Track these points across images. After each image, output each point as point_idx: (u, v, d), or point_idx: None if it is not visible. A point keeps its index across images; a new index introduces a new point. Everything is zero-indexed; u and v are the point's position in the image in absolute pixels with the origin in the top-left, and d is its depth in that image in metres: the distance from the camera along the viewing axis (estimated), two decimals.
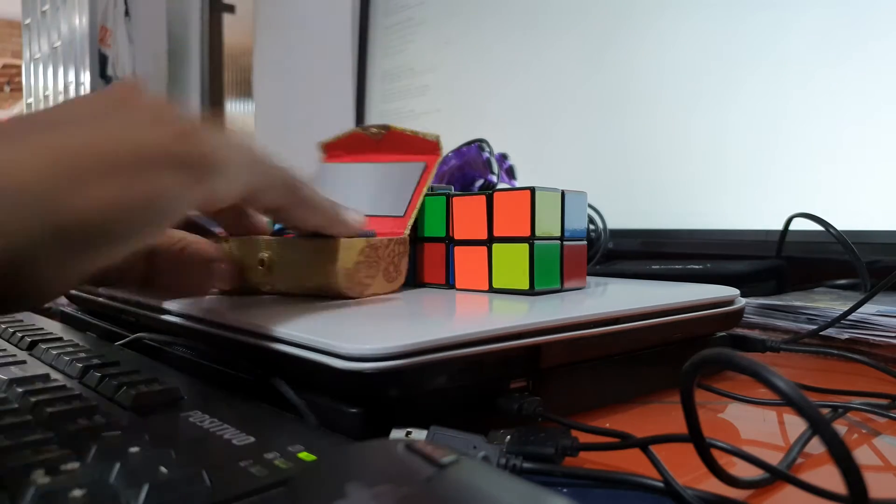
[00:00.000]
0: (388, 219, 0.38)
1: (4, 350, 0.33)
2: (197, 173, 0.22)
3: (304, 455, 0.19)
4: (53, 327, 0.40)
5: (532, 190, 0.34)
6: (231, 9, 1.98)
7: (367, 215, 0.37)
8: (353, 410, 0.23)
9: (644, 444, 0.21)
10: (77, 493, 0.16)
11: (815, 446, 0.25)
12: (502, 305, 0.33)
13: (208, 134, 0.24)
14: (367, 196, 0.40)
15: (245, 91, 1.95)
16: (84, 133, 0.21)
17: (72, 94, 1.78)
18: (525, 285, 0.34)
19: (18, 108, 3.52)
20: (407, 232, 0.37)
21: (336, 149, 0.44)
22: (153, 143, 0.21)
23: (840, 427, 0.28)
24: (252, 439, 0.20)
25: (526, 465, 0.21)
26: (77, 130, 0.21)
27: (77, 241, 0.19)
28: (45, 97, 1.94)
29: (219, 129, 0.26)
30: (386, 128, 0.41)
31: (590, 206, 0.62)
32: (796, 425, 0.28)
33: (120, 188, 0.20)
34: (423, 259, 0.40)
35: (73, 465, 0.17)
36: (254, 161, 0.26)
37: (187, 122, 0.23)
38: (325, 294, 0.33)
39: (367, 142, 0.42)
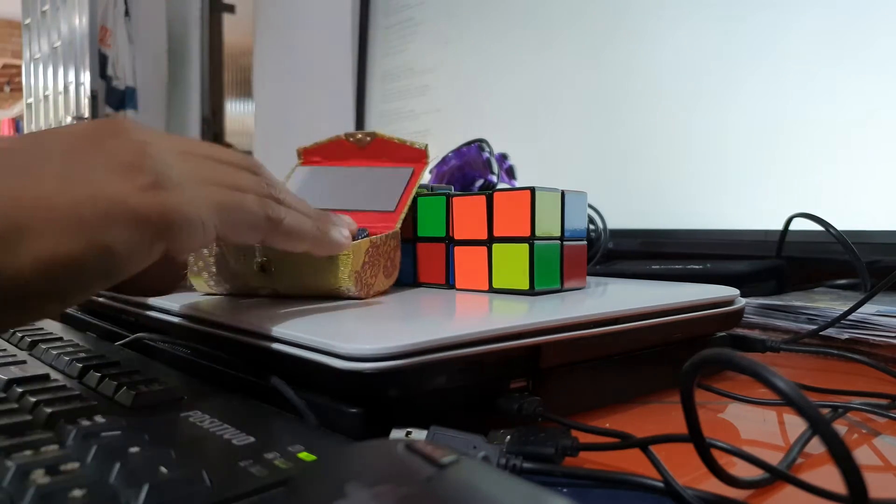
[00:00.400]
0: (377, 214, 0.38)
1: (4, 350, 0.33)
2: (156, 230, 0.21)
3: (304, 455, 0.19)
4: (53, 327, 0.40)
5: (532, 190, 0.34)
6: (231, 9, 1.98)
7: (355, 210, 0.37)
8: (353, 410, 0.23)
9: (644, 444, 0.21)
10: (77, 493, 0.16)
11: (815, 446, 0.25)
12: (502, 305, 0.33)
13: (180, 185, 0.22)
14: (353, 192, 0.40)
15: (245, 91, 1.95)
16: (44, 180, 0.20)
17: (72, 94, 1.79)
18: (525, 285, 0.34)
19: (18, 108, 3.53)
20: (398, 226, 0.37)
21: (315, 154, 0.44)
22: (114, 195, 0.20)
23: (840, 427, 0.28)
24: (252, 439, 0.20)
25: (526, 465, 0.21)
26: (38, 177, 0.20)
27: (8, 296, 0.19)
28: (45, 97, 1.94)
29: (201, 166, 0.25)
30: (372, 135, 0.41)
31: (590, 206, 0.62)
32: (796, 425, 0.28)
33: (67, 243, 0.19)
34: (423, 259, 0.40)
35: (73, 465, 0.17)
36: (228, 208, 0.25)
37: (159, 173, 0.22)
38: (331, 295, 0.33)
39: (349, 148, 0.42)
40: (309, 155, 0.44)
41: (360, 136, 0.41)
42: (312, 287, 0.33)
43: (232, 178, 0.26)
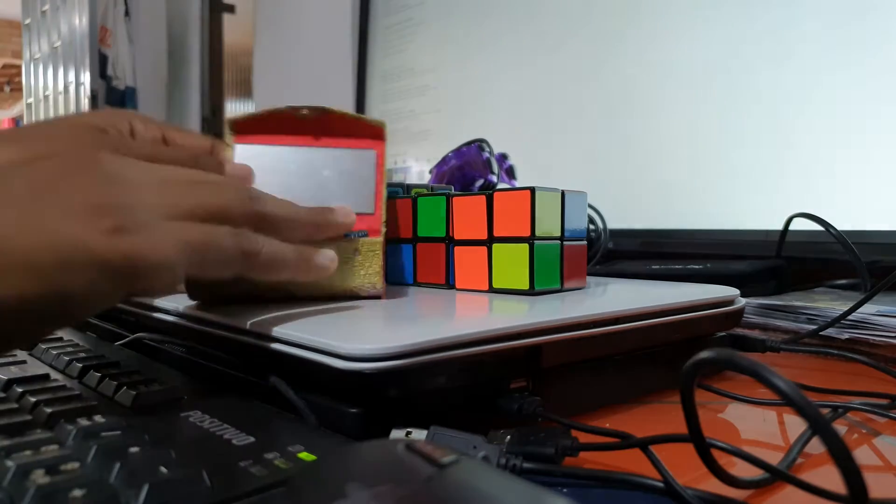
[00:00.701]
0: (357, 216, 0.35)
1: None
2: (119, 275, 0.20)
3: (304, 455, 0.19)
4: None
5: (532, 190, 0.34)
6: (231, 9, 1.98)
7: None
8: (353, 410, 0.23)
9: (644, 444, 0.21)
10: (77, 493, 0.16)
11: (815, 446, 0.25)
12: (502, 305, 0.32)
13: (147, 226, 0.21)
14: (314, 183, 0.37)
15: (245, 91, 1.95)
16: (2, 221, 0.19)
17: (72, 94, 1.79)
18: (525, 285, 0.34)
19: (18, 108, 3.53)
20: (384, 228, 0.36)
21: (251, 128, 0.37)
22: (75, 240, 0.19)
23: (840, 427, 0.28)
24: (252, 439, 0.20)
25: (526, 465, 0.21)
26: (2, 213, 0.19)
27: None
28: (45, 97, 1.94)
29: (176, 196, 0.23)
30: (322, 110, 0.36)
31: (590, 206, 0.62)
32: (796, 425, 0.28)
33: (20, 288, 0.18)
34: (423, 259, 0.40)
35: (73, 465, 0.17)
36: (199, 247, 0.23)
37: (125, 214, 0.21)
38: (353, 296, 0.32)
39: (293, 123, 0.36)
40: (244, 129, 0.37)
41: (305, 111, 0.36)
42: (335, 287, 0.32)
43: (210, 201, 0.24)
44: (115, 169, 0.22)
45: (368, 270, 0.32)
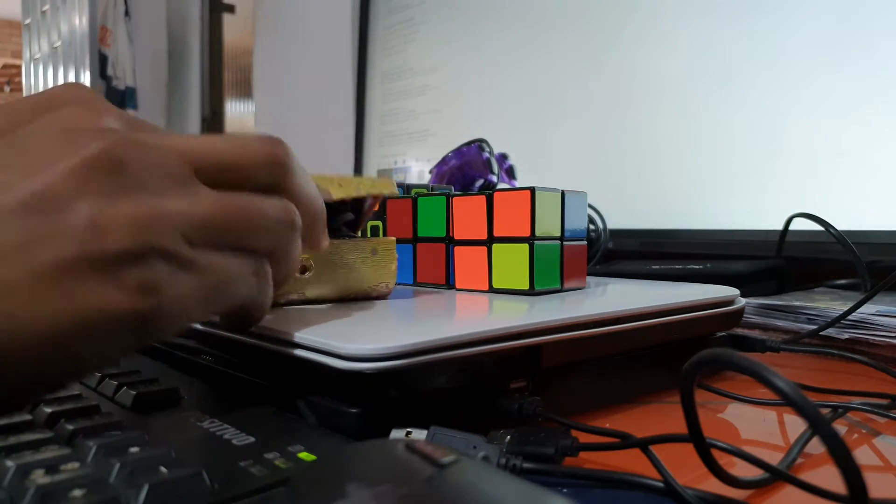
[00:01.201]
0: None
1: None
2: (136, 334, 0.18)
3: (304, 455, 0.19)
4: None
5: (532, 190, 0.34)
6: (231, 9, 1.98)
7: None
8: (353, 410, 0.23)
9: (644, 444, 0.21)
10: (77, 493, 0.16)
11: (815, 446, 0.25)
12: (502, 305, 0.32)
13: (176, 276, 0.18)
14: None
15: (245, 91, 1.95)
16: (8, 276, 0.16)
17: None
18: (525, 285, 0.34)
19: None
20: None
21: None
22: (99, 304, 0.17)
23: (840, 427, 0.28)
24: (252, 439, 0.20)
25: (526, 465, 0.21)
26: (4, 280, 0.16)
27: None
28: None
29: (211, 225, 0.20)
30: None
31: (590, 206, 0.62)
32: (796, 425, 0.28)
33: (28, 365, 0.16)
34: (422, 259, 0.40)
35: (73, 465, 0.17)
36: (219, 295, 0.20)
37: (155, 262, 0.18)
38: (365, 297, 0.32)
39: None
40: None
41: None
42: (350, 288, 0.32)
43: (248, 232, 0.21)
44: (133, 182, 0.18)
45: (384, 270, 0.32)
